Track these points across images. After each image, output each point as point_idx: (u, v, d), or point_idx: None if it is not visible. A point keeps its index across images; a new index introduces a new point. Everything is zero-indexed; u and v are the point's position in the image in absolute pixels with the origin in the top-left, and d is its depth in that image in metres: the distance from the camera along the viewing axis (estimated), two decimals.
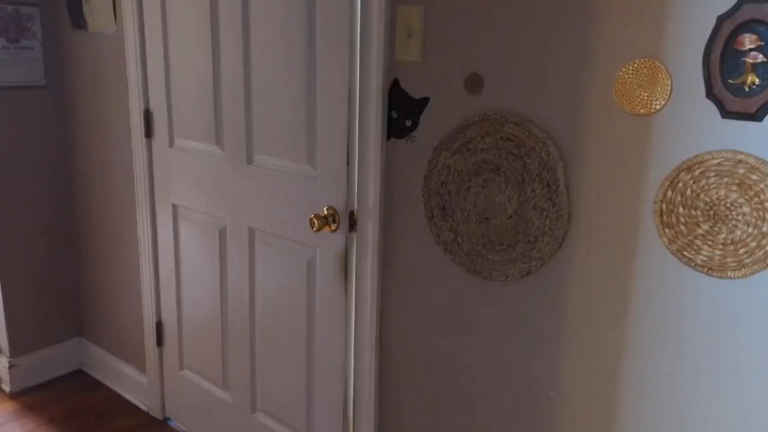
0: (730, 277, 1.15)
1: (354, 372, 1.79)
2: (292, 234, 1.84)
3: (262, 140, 1.86)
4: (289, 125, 1.77)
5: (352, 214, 1.67)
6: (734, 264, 1.14)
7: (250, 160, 1.91)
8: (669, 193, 1.18)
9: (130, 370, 2.56)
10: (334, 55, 1.61)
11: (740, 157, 1.10)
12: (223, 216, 2.03)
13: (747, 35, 1.07)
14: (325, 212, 1.69)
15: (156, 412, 2.46)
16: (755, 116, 1.08)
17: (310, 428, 1.95)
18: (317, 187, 1.74)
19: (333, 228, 1.69)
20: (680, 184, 1.17)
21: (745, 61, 1.08)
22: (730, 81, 1.09)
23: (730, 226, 1.13)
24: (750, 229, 1.11)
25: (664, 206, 1.19)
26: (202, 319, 2.21)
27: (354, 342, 1.77)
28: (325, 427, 1.90)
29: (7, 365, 2.57)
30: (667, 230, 1.20)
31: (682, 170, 1.16)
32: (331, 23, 1.61)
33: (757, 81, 1.07)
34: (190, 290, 2.22)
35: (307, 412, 1.93)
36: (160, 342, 2.38)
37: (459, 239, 1.49)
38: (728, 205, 1.13)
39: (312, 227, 1.66)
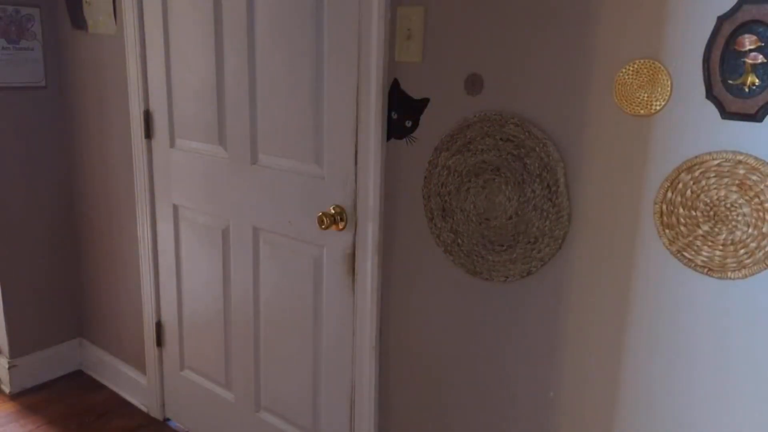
0: (730, 278, 1.15)
1: (354, 372, 1.79)
2: (297, 233, 1.84)
3: (267, 140, 1.86)
4: (296, 125, 1.77)
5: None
6: (734, 265, 1.14)
7: (254, 160, 1.91)
8: (669, 194, 1.18)
9: (129, 371, 2.56)
10: (343, 53, 1.61)
11: (740, 157, 1.10)
12: (227, 216, 2.03)
13: (747, 36, 1.07)
14: (332, 211, 1.69)
15: (156, 413, 2.46)
16: (755, 117, 1.08)
17: (316, 425, 1.95)
18: (324, 186, 1.74)
19: (340, 227, 1.70)
20: (680, 185, 1.17)
21: (745, 62, 1.08)
22: (730, 82, 1.09)
23: (730, 226, 1.13)
24: (750, 230, 1.11)
25: (664, 207, 1.19)
26: (204, 319, 2.21)
27: (354, 342, 1.77)
28: (332, 423, 1.91)
29: (7, 366, 2.56)
30: (667, 231, 1.20)
31: (682, 171, 1.16)
32: (339, 21, 1.61)
33: (757, 82, 1.07)
34: (192, 290, 2.22)
35: (314, 409, 1.94)
36: (159, 342, 2.38)
37: (459, 240, 1.49)
38: (728, 205, 1.13)
39: (321, 225, 1.67)
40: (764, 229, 1.10)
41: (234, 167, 1.96)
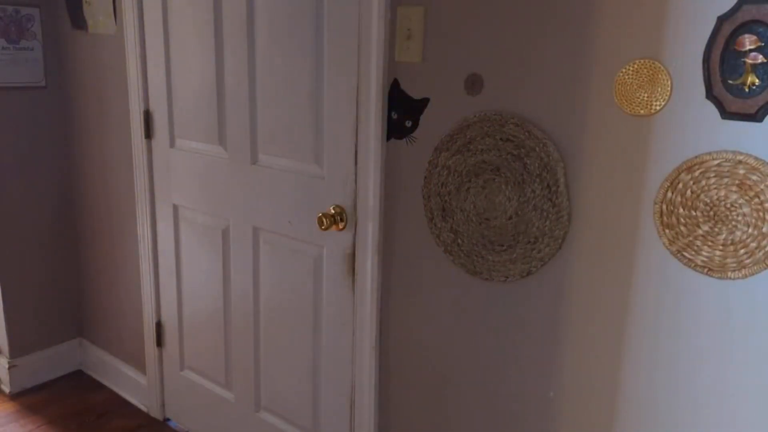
0: (730, 278, 1.15)
1: (354, 372, 1.79)
2: (297, 233, 1.84)
3: (267, 140, 1.86)
4: (296, 125, 1.78)
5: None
6: (734, 265, 1.14)
7: (254, 160, 1.91)
8: (669, 194, 1.18)
9: (129, 371, 2.56)
10: (343, 53, 1.61)
11: (740, 157, 1.10)
12: (227, 216, 2.03)
13: (747, 36, 1.07)
14: (332, 211, 1.70)
15: (156, 413, 2.46)
16: (755, 117, 1.08)
17: (316, 425, 1.95)
18: (324, 186, 1.74)
19: (340, 227, 1.70)
20: (680, 185, 1.17)
21: (745, 62, 1.08)
22: (730, 82, 1.09)
23: (730, 226, 1.13)
24: (750, 230, 1.11)
25: (664, 207, 1.19)
26: (204, 319, 2.21)
27: (354, 342, 1.77)
28: (332, 423, 1.91)
29: (7, 366, 2.57)
30: (667, 231, 1.20)
31: (682, 171, 1.16)
32: (339, 21, 1.61)
33: (757, 82, 1.07)
34: (192, 290, 2.22)
35: (314, 409, 1.94)
36: (159, 343, 2.38)
37: (459, 240, 1.49)
38: (728, 205, 1.13)
39: (321, 226, 1.67)
40: (764, 229, 1.10)
41: (234, 167, 1.96)
